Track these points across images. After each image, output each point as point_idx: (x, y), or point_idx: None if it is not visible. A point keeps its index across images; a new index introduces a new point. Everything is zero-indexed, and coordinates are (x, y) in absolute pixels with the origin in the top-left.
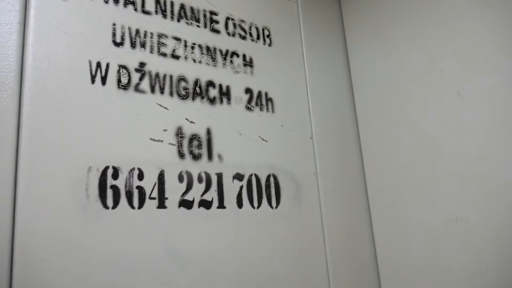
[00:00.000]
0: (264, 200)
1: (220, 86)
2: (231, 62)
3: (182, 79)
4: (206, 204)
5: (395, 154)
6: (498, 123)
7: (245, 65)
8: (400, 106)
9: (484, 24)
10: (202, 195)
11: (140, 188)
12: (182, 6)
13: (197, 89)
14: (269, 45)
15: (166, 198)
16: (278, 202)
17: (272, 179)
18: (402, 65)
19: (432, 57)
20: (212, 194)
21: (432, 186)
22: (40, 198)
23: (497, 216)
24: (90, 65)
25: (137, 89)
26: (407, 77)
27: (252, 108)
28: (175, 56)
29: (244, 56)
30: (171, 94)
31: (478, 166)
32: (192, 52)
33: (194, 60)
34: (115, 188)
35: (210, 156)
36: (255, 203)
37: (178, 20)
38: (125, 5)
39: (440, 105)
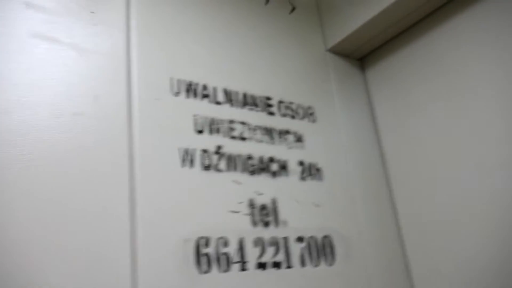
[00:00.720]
0: (322, 259)
1: (279, 161)
2: (285, 139)
3: (249, 157)
4: (277, 265)
5: (426, 211)
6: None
7: (296, 141)
8: (427, 168)
9: (498, 95)
10: (273, 257)
11: (226, 254)
12: (245, 95)
13: (261, 164)
14: (314, 122)
15: (246, 262)
16: (332, 260)
17: (326, 240)
18: (423, 128)
19: (453, 131)
20: (281, 256)
21: (463, 241)
22: (153, 267)
23: None
24: (180, 152)
25: (216, 169)
26: (429, 139)
27: (305, 178)
28: (242, 138)
29: (295, 133)
30: (242, 170)
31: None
32: (255, 133)
33: (257, 140)
34: (207, 255)
35: (276, 223)
36: (315, 262)
37: (242, 107)
38: (202, 98)
39: (462, 175)
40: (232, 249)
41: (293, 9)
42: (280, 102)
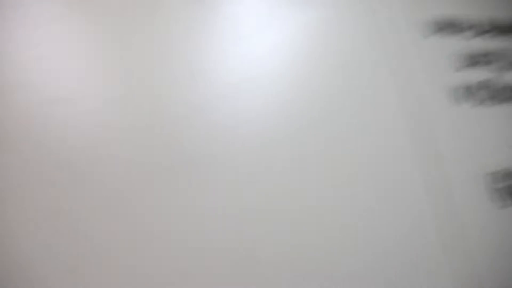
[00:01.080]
0: None
1: None
2: None
3: None
4: None
5: None
6: None
7: None
8: None
9: None
10: None
11: None
12: (500, 24)
13: None
14: None
15: None
16: None
17: None
18: None
19: None
20: None
21: None
22: (449, 204)
23: None
24: (447, 90)
25: (486, 103)
26: None
27: None
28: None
29: None
30: None
31: None
32: None
33: None
34: (499, 191)
35: None
36: None
37: (500, 36)
38: (458, 33)
39: None
40: None
41: None
42: None
